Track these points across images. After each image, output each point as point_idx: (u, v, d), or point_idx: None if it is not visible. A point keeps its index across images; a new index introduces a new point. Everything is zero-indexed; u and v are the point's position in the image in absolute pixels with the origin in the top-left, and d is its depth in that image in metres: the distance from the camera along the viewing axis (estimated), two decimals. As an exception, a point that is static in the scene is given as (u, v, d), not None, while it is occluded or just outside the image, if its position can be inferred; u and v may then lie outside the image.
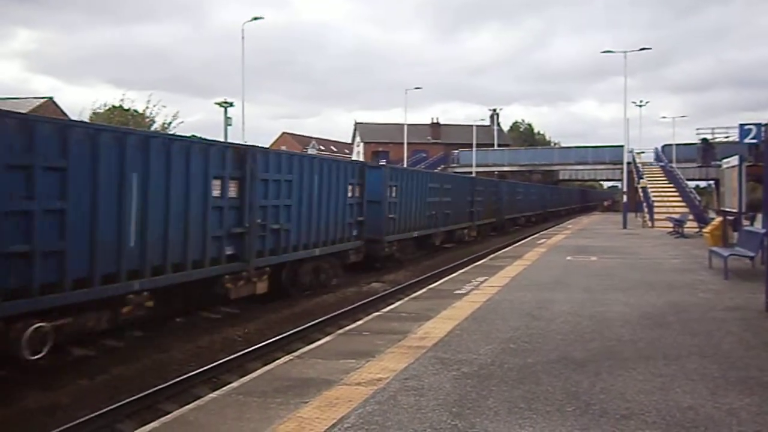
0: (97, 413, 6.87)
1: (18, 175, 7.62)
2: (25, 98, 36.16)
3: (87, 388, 8.02)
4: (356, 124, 73.18)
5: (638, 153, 48.30)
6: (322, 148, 67.51)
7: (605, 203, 75.24)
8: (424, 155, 61.75)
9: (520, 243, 24.69)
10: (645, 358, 6.79)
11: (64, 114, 35.63)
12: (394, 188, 19.87)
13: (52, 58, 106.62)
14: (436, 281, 14.29)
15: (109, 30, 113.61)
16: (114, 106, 43.30)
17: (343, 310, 12.63)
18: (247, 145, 13.08)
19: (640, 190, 37.33)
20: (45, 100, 36.89)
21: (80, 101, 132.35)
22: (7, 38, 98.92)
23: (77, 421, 6.65)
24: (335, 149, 72.90)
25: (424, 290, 12.55)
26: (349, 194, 16.39)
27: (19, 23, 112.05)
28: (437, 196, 23.88)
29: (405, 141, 51.51)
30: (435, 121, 72.61)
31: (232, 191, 11.60)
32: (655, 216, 31.11)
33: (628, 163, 38.58)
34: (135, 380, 8.35)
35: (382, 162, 43.12)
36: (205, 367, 8.64)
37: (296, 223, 13.66)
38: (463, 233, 27.97)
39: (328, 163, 15.69)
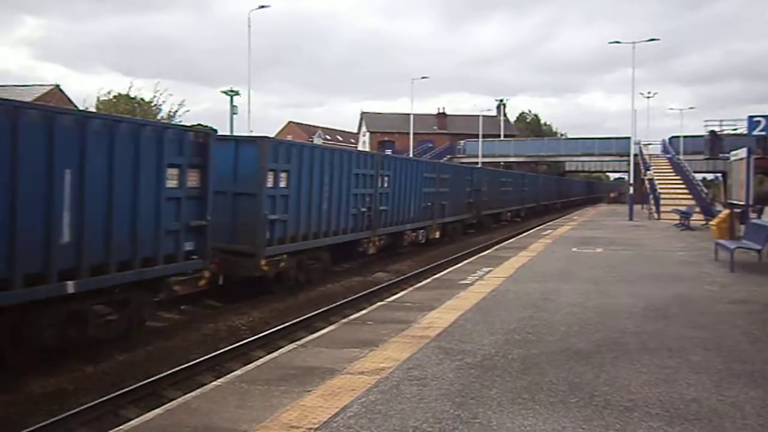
0: (102, 399, 6.91)
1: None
2: (32, 86, 36.21)
3: (92, 375, 8.06)
4: (362, 113, 73.05)
5: (645, 145, 48.05)
6: (328, 137, 67.44)
7: (611, 195, 74.97)
8: (430, 145, 61.62)
9: (525, 234, 24.65)
10: (649, 351, 6.77)
11: (71, 102, 35.70)
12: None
13: (59, 46, 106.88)
14: (440, 271, 14.29)
15: (116, 18, 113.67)
16: (120, 94, 43.30)
17: (347, 300, 12.64)
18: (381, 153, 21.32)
19: (646, 181, 37.16)
20: (51, 87, 36.93)
21: (87, 89, 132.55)
22: (14, 26, 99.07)
23: (82, 407, 6.69)
24: (341, 139, 72.84)
25: (428, 280, 12.55)
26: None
27: (26, 10, 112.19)
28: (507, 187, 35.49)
29: (411, 131, 51.39)
30: (441, 111, 72.38)
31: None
32: (662, 208, 30.96)
33: (635, 155, 38.39)
34: (140, 367, 8.39)
35: (388, 151, 43.06)
36: (209, 355, 8.67)
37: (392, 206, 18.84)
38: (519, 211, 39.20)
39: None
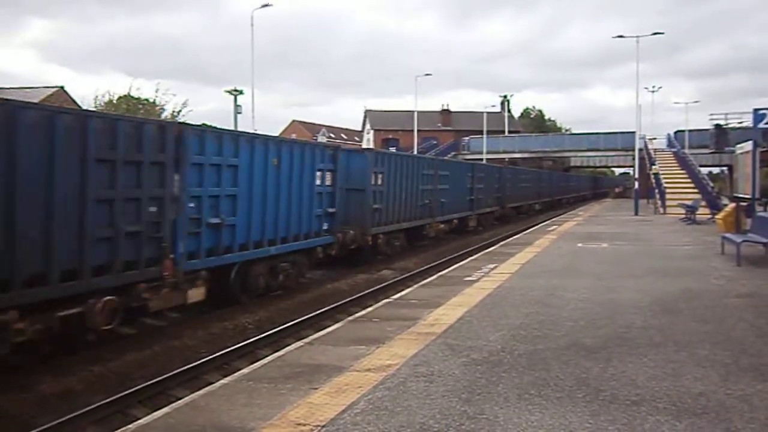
0: (110, 399, 6.95)
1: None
2: (37, 88, 36.29)
3: (100, 375, 8.09)
4: (366, 111, 73.02)
5: (650, 139, 47.92)
6: (332, 135, 67.34)
7: (616, 190, 74.84)
8: (435, 142, 61.57)
9: (530, 230, 24.62)
10: (656, 345, 6.76)
11: (75, 104, 35.78)
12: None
13: (67, 48, 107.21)
14: (446, 268, 14.29)
15: (123, 20, 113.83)
16: (123, 96, 43.32)
17: (353, 297, 12.66)
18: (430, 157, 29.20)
19: (652, 176, 37.07)
20: (56, 89, 37.01)
21: (93, 91, 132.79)
22: (21, 28, 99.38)
23: (91, 407, 6.73)
24: (345, 137, 72.75)
25: (434, 277, 12.56)
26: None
27: (33, 13, 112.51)
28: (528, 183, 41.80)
29: (415, 128, 51.35)
30: (445, 108, 72.30)
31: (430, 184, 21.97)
32: (667, 202, 30.90)
33: (640, 150, 38.28)
34: (147, 367, 8.43)
35: (392, 149, 43.09)
36: (216, 354, 8.70)
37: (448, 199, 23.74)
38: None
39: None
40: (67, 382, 7.75)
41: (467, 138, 61.26)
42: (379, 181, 17.64)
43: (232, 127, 32.54)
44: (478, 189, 28.15)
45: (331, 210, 14.40)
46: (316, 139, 50.96)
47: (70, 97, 37.19)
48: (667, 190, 32.31)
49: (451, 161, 30.10)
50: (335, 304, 11.94)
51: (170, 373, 7.83)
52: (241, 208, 11.10)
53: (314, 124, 74.97)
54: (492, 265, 13.35)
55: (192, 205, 9.86)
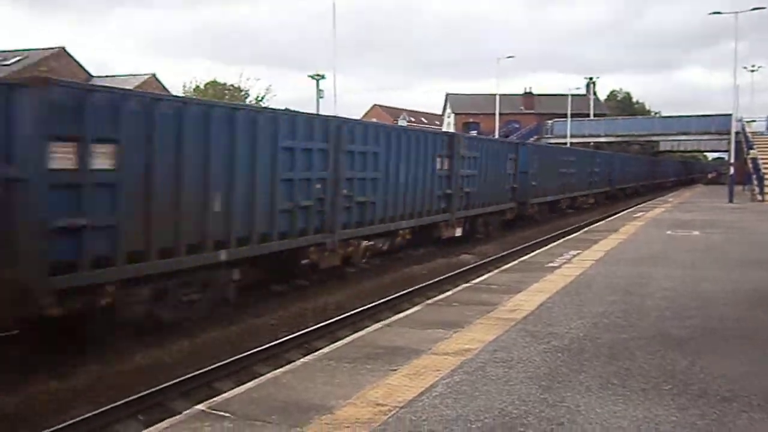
0: (198, 372, 7.26)
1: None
2: (129, 75, 38.05)
3: (188, 349, 8.48)
4: (447, 95, 72.35)
5: (748, 122, 45.23)
6: (412, 119, 67.21)
7: (709, 175, 71.21)
8: (517, 126, 60.36)
9: (615, 216, 23.84)
10: (750, 339, 6.43)
11: (166, 90, 37.30)
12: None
13: (160, 37, 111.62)
14: (527, 254, 14.06)
15: (209, 8, 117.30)
16: (209, 82, 44.85)
17: (431, 281, 12.65)
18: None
19: (749, 161, 35.06)
20: (148, 77, 38.70)
21: (182, 78, 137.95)
22: (118, 17, 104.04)
23: (181, 378, 7.07)
24: (425, 121, 72.48)
25: (514, 263, 12.39)
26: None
27: (121, 3, 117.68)
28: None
29: (497, 111, 50.50)
30: (528, 90, 70.68)
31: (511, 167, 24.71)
32: (766, 189, 29.17)
33: (737, 133, 36.22)
34: (232, 343, 8.75)
35: (473, 133, 42.61)
36: (298, 333, 8.92)
37: (575, 180, 30.16)
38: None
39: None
40: (158, 355, 8.16)
41: (551, 121, 59.74)
42: (535, 166, 23.57)
43: (314, 111, 33.12)
44: (596, 173, 34.19)
45: (514, 186, 21.28)
46: (396, 123, 51.16)
47: (162, 85, 38.81)
48: (766, 176, 30.49)
49: (579, 150, 36.84)
50: (414, 288, 11.97)
51: (253, 350, 8.10)
52: (475, 183, 18.13)
53: (395, 108, 75.05)
54: (575, 252, 13.03)
55: (459, 179, 17.05)
